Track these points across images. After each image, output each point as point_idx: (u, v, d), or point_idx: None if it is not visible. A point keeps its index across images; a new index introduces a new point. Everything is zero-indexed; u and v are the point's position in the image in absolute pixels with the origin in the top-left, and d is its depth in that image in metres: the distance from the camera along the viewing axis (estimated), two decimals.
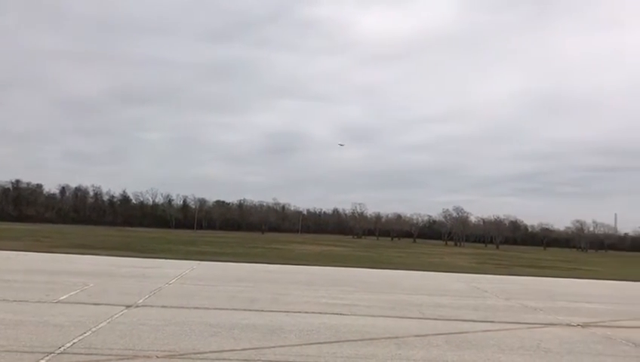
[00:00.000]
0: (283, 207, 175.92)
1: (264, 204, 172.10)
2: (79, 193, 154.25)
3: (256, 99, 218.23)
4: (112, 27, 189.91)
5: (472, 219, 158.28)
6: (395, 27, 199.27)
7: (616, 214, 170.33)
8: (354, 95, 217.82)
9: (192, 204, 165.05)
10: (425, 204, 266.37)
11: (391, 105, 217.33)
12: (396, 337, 9.76)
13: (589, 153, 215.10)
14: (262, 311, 12.00)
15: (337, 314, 12.14)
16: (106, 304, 11.78)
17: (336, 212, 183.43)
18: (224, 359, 7.70)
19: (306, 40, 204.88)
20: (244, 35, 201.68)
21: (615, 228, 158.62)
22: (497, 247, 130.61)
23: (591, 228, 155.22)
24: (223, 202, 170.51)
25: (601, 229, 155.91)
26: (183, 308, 11.94)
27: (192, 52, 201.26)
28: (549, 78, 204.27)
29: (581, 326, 12.27)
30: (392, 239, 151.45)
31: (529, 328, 11.64)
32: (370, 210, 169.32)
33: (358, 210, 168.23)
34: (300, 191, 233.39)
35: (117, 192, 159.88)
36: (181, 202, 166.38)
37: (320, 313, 12.11)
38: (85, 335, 8.68)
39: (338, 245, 72.86)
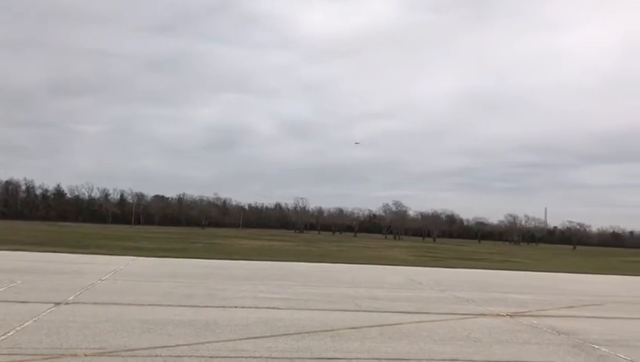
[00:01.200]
0: (224, 202, 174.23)
1: (205, 198, 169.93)
2: (10, 187, 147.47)
3: (197, 92, 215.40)
4: (50, 16, 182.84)
5: (411, 213, 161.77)
6: (339, 24, 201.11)
7: (546, 208, 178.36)
8: (297, 90, 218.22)
9: (129, 199, 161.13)
10: (366, 199, 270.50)
11: (334, 101, 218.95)
12: (332, 330, 9.85)
13: (521, 150, 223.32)
14: (198, 306, 11.86)
15: (274, 308, 12.13)
16: (33, 301, 11.34)
17: (278, 206, 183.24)
18: (156, 356, 7.56)
19: (250, 34, 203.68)
20: (186, 28, 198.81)
21: (545, 222, 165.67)
22: (434, 241, 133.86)
23: (523, 222, 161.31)
24: (162, 197, 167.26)
25: (532, 223, 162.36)
26: (115, 304, 11.65)
27: (133, 43, 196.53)
28: (485, 77, 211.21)
29: (510, 316, 12.74)
30: (333, 233, 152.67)
31: (461, 319, 11.99)
32: (313, 205, 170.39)
33: (301, 205, 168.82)
34: (241, 185, 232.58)
35: (51, 186, 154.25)
36: (118, 197, 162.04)
37: (257, 308, 12.07)
38: (9, 334, 8.33)
39: (279, 240, 72.81)
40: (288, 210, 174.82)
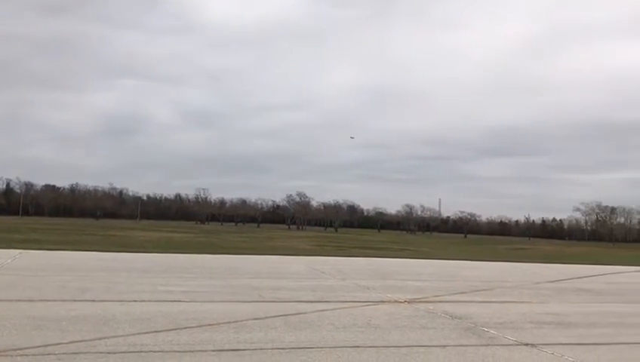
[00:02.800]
0: (120, 192, 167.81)
1: (99, 188, 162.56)
2: None
3: (93, 77, 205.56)
4: None
5: (314, 203, 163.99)
6: (245, 13, 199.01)
7: (440, 199, 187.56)
8: (199, 78, 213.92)
9: (16, 188, 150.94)
10: (269, 190, 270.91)
11: (237, 90, 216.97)
12: (235, 321, 9.77)
13: (419, 143, 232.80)
14: (94, 301, 11.34)
15: (176, 301, 11.86)
16: None
17: (178, 197, 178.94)
18: (49, 354, 7.15)
19: (151, 18, 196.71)
20: (81, 9, 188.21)
21: (439, 212, 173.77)
22: (336, 230, 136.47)
23: (419, 212, 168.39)
24: (53, 186, 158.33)
25: (427, 213, 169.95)
26: (1, 301, 10.88)
27: (23, 23, 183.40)
28: (386, 71, 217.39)
29: (408, 302, 13.24)
30: (236, 224, 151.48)
31: (362, 306, 12.30)
32: (214, 196, 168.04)
33: (202, 196, 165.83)
34: (139, 175, 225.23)
35: None
36: (4, 186, 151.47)
37: (157, 301, 11.75)
38: None
39: (179, 231, 71.23)
40: (189, 200, 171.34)
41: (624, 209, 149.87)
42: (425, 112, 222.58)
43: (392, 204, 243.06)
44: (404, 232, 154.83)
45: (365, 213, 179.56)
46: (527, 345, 9.08)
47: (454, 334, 9.64)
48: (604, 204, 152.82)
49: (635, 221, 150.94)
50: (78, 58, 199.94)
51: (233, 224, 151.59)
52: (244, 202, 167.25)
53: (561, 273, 25.71)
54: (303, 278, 17.80)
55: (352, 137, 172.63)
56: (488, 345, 8.95)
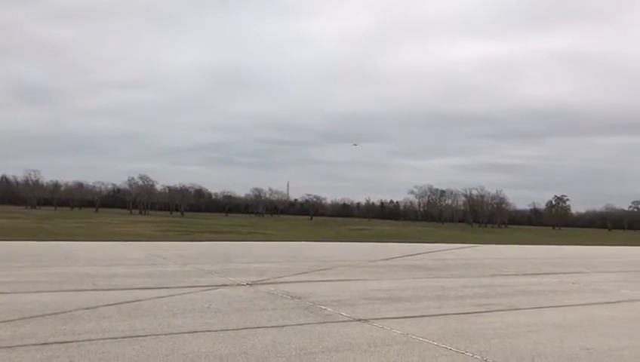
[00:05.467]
0: None
1: None
2: None
3: None
4: None
5: (159, 187, 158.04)
6: None
7: (288, 182, 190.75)
8: (30, 50, 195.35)
9: None
10: (109, 172, 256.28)
11: (75, 65, 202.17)
12: (63, 312, 9.12)
13: (267, 127, 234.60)
14: None
15: None
16: None
17: (4, 179, 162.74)
18: None
19: None
20: None
21: (287, 195, 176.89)
22: (182, 215, 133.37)
23: (267, 195, 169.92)
24: None
25: (276, 196, 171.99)
26: None
27: None
28: (235, 54, 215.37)
29: (249, 284, 13.30)
30: (71, 209, 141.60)
31: (202, 291, 12.13)
32: (47, 178, 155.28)
33: (33, 178, 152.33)
34: None
35: None
36: None
37: None
38: None
39: (6, 217, 64.96)
40: (17, 183, 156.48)
41: (452, 192, 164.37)
42: (274, 97, 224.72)
43: (240, 188, 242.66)
44: (253, 215, 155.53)
45: (213, 197, 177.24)
46: (360, 320, 9.55)
47: (293, 314, 9.85)
48: (434, 187, 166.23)
49: (460, 202, 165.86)
50: None
51: (68, 209, 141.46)
52: (80, 185, 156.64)
53: (395, 251, 27.51)
54: (141, 265, 17.12)
55: (354, 144, 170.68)
56: (325, 322, 9.28)
